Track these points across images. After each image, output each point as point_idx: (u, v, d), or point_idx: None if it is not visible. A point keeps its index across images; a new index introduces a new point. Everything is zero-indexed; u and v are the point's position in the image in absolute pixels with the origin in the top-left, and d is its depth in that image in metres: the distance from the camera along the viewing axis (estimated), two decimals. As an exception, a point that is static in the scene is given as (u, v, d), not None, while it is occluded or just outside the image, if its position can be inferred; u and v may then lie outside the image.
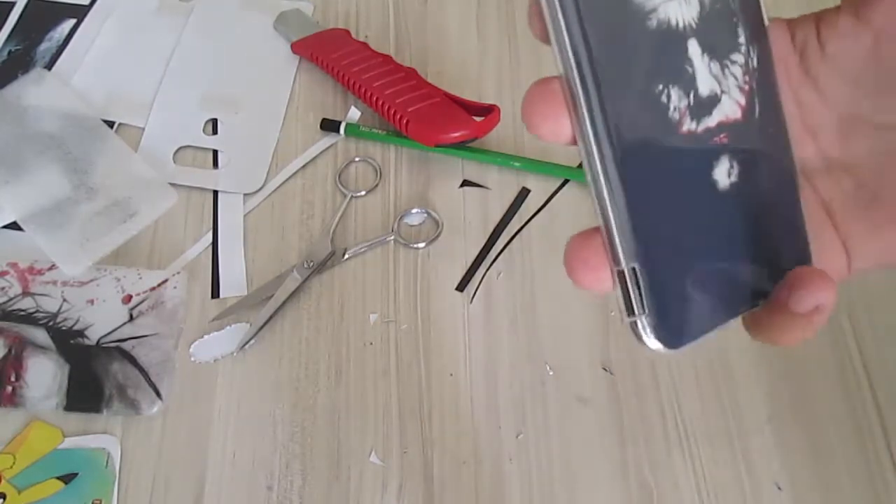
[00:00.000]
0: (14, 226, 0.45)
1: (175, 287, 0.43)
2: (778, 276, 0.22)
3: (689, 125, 0.21)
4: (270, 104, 0.50)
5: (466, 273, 0.44)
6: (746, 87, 0.22)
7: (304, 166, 0.48)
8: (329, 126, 0.49)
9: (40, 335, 0.41)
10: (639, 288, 0.20)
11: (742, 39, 0.21)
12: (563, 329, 0.43)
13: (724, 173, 0.22)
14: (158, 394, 0.40)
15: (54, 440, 0.39)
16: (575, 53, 0.20)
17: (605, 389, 0.41)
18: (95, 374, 0.40)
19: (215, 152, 0.48)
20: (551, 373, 0.41)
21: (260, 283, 0.44)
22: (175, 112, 0.50)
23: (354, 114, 0.50)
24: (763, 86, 0.22)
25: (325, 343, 0.42)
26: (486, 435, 0.40)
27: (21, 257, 0.43)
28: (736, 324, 0.23)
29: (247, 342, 0.42)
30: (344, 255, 0.45)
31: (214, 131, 0.49)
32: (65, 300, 0.42)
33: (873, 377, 0.41)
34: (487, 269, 0.45)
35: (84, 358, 0.41)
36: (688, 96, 0.21)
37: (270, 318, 0.42)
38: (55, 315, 0.42)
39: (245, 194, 0.47)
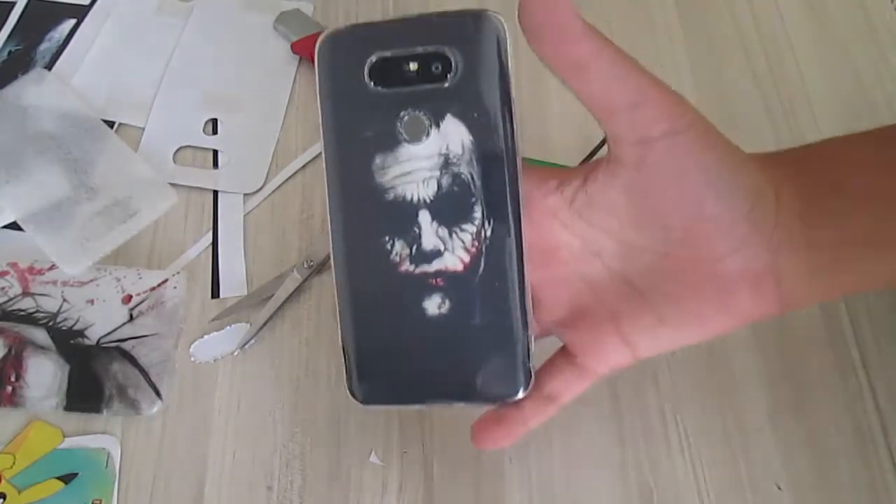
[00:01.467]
0: (14, 226, 0.45)
1: (175, 287, 0.43)
2: (476, 391, 0.30)
3: (406, 267, 0.29)
4: (270, 104, 0.50)
5: (466, 273, 0.44)
6: (473, 249, 0.29)
7: (304, 166, 0.48)
8: (329, 126, 0.49)
9: (40, 335, 0.41)
10: (346, 359, 0.31)
11: (478, 215, 0.28)
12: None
13: (434, 305, 0.29)
14: (158, 394, 0.40)
15: (54, 440, 0.39)
16: (330, 202, 0.29)
17: (606, 389, 0.41)
18: (95, 374, 0.40)
19: (215, 152, 0.48)
20: (551, 373, 0.41)
21: (260, 282, 0.44)
22: (175, 112, 0.50)
23: (354, 114, 0.50)
24: (496, 249, 0.29)
25: (325, 343, 0.42)
26: (486, 435, 0.40)
27: (21, 257, 0.43)
28: (437, 408, 0.39)
29: (247, 342, 0.42)
30: (344, 255, 0.45)
31: (214, 131, 0.49)
32: (65, 300, 0.42)
33: (873, 377, 0.41)
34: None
35: (84, 358, 0.41)
36: (410, 247, 0.29)
37: (270, 317, 0.42)
38: (55, 315, 0.42)
39: (245, 194, 0.47)
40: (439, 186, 0.28)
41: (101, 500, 0.38)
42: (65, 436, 0.40)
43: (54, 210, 0.45)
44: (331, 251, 0.30)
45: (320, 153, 0.29)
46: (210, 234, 0.46)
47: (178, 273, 0.44)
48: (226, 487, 0.39)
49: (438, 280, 0.29)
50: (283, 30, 0.53)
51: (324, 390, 0.41)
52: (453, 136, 0.28)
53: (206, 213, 0.46)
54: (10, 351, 0.41)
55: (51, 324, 0.42)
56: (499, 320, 0.29)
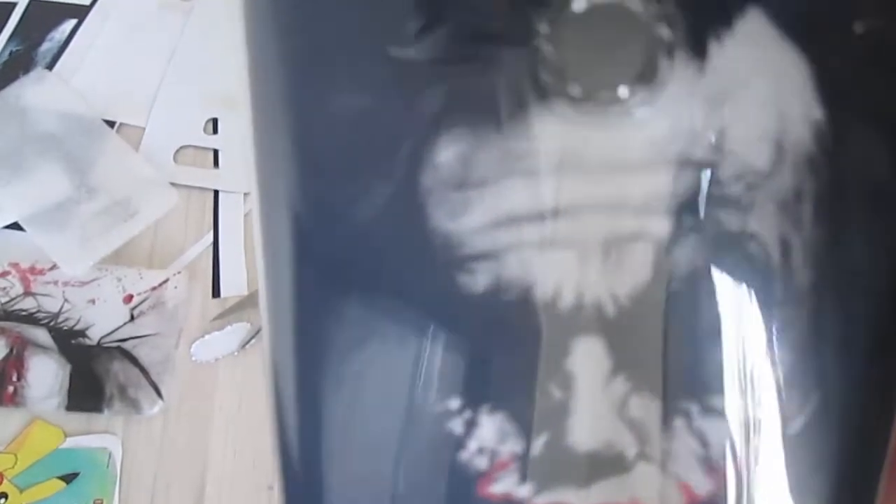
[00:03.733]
0: (15, 226, 0.45)
1: (176, 287, 0.43)
2: None
3: (508, 488, 0.12)
4: (271, 104, 0.50)
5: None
6: (728, 469, 0.12)
7: (304, 166, 0.48)
8: (329, 125, 0.48)
9: (42, 335, 0.41)
10: None
11: (773, 380, 0.12)
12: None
13: None
14: (159, 393, 0.40)
15: (56, 440, 0.39)
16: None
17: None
18: (96, 374, 0.40)
19: (216, 151, 0.48)
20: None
21: (261, 282, 0.44)
22: (176, 111, 0.49)
23: (355, 113, 0.50)
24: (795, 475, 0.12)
25: (325, 342, 0.42)
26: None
27: (22, 257, 0.44)
28: None
29: (248, 341, 0.42)
30: (344, 254, 0.45)
31: (215, 130, 0.49)
32: (66, 300, 0.42)
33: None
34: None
35: (85, 358, 0.41)
36: (527, 439, 0.12)
37: (271, 317, 0.42)
38: (56, 315, 0.42)
39: (246, 193, 0.47)
40: (657, 267, 0.11)
41: (102, 500, 0.38)
42: (66, 435, 0.40)
43: (55, 210, 0.45)
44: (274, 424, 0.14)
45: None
46: (211, 234, 0.46)
47: (178, 273, 0.44)
48: (227, 487, 0.39)
49: None
50: (283, 29, 0.53)
51: (325, 390, 0.41)
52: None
53: (206, 212, 0.46)
54: (11, 351, 0.41)
55: (52, 324, 0.42)
56: None
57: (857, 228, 0.11)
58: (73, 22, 0.52)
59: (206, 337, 0.42)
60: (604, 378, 0.11)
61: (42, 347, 0.41)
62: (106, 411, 0.40)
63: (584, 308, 0.11)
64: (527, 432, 0.11)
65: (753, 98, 0.09)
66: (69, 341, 0.41)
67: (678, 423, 0.11)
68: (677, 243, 0.10)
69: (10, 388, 0.40)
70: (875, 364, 0.11)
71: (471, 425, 0.11)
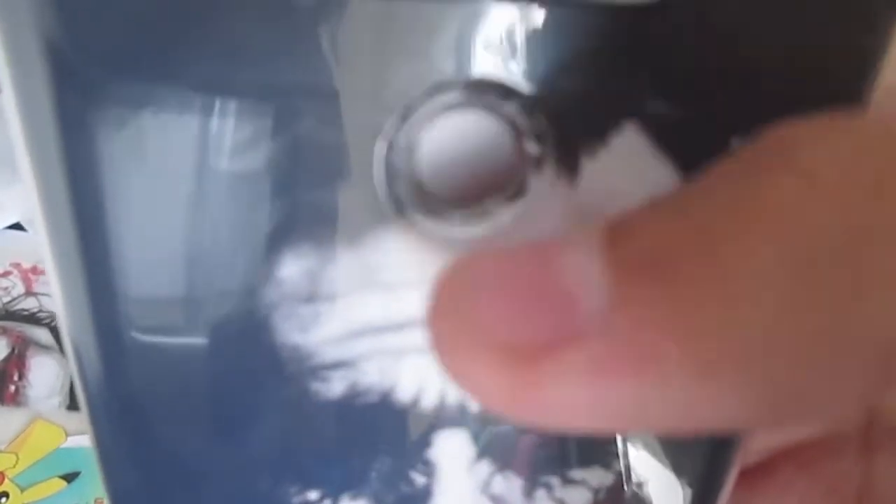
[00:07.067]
0: (17, 226, 0.45)
1: (177, 287, 0.43)
2: None
3: None
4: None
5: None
6: None
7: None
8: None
9: (43, 335, 0.42)
10: None
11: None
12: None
13: None
14: (160, 393, 0.40)
15: (57, 439, 0.39)
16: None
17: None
18: (98, 374, 0.41)
19: (217, 153, 0.48)
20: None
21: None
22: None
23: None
24: None
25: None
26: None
27: (24, 257, 0.44)
28: None
29: (248, 342, 0.42)
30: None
31: (216, 132, 0.49)
32: (67, 300, 0.43)
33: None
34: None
35: (86, 357, 0.41)
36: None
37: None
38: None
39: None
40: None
41: (103, 499, 0.38)
42: (67, 435, 0.40)
43: (57, 210, 0.45)
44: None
45: None
46: (212, 235, 0.46)
47: (179, 273, 0.44)
48: (227, 486, 0.39)
49: None
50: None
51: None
52: None
53: (207, 213, 0.46)
54: (13, 350, 0.41)
55: (53, 323, 0.42)
56: None
57: None
58: (75, 23, 0.53)
59: (207, 337, 0.42)
60: (468, 463, 0.11)
61: (43, 347, 0.41)
62: (107, 411, 0.40)
63: (447, 406, 0.11)
64: None
65: (624, 210, 0.09)
66: (70, 341, 0.41)
67: (539, 494, 0.12)
68: None
69: (12, 388, 0.40)
70: None
71: None
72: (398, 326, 0.11)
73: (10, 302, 0.42)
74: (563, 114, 0.10)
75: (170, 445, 0.11)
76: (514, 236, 0.10)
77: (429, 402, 0.11)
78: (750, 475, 0.13)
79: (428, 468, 0.11)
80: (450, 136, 0.10)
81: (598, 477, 0.12)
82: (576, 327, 0.08)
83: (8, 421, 0.40)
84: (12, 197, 0.45)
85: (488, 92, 0.10)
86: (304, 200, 0.10)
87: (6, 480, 0.38)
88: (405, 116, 0.10)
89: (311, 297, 0.10)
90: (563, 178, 0.10)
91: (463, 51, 0.10)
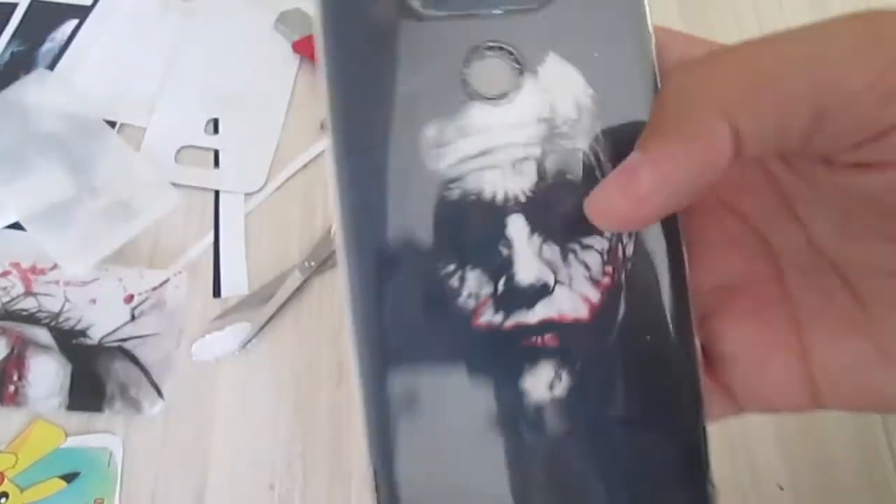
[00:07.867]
0: (16, 226, 0.45)
1: (176, 287, 0.43)
2: None
3: (489, 318, 0.17)
4: (271, 103, 0.50)
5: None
6: (606, 280, 0.18)
7: (305, 165, 0.48)
8: (330, 126, 0.49)
9: (43, 335, 0.42)
10: (377, 490, 0.17)
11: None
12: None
13: (542, 385, 0.17)
14: (160, 393, 0.40)
15: (56, 439, 0.39)
16: (343, 204, 0.17)
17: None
18: (97, 374, 0.40)
19: (216, 152, 0.48)
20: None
21: (261, 282, 0.44)
22: (176, 112, 0.50)
23: (355, 113, 0.50)
24: (645, 278, 0.18)
25: (326, 342, 0.42)
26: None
27: (23, 257, 0.44)
28: None
29: (248, 341, 0.42)
30: (345, 254, 0.45)
31: (216, 131, 0.49)
32: (67, 300, 0.42)
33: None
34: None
35: (86, 357, 0.41)
36: (494, 283, 0.17)
37: (272, 317, 0.42)
38: (57, 315, 0.42)
39: (246, 194, 0.47)
40: (541, 175, 0.18)
41: (103, 500, 0.38)
42: (67, 435, 0.40)
43: (56, 210, 0.45)
44: (345, 292, 0.17)
45: (327, 129, 0.18)
46: (211, 234, 0.46)
47: (179, 272, 0.44)
48: (227, 486, 0.39)
49: (548, 338, 0.17)
50: (284, 29, 0.53)
51: (325, 389, 0.41)
52: (560, 88, 0.18)
53: (207, 212, 0.46)
54: (12, 351, 0.41)
55: (53, 323, 0.42)
56: (658, 409, 0.18)
57: None
58: (75, 22, 0.53)
59: (207, 337, 0.42)
60: (527, 237, 0.18)
61: (43, 347, 0.41)
62: (107, 411, 0.40)
63: (509, 199, 0.18)
64: (494, 279, 0.18)
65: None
66: (70, 341, 0.41)
67: (570, 258, 0.18)
68: (545, 160, 0.18)
69: (11, 388, 0.40)
70: None
71: (461, 280, 0.18)
72: (481, 154, 0.18)
73: (9, 302, 0.42)
74: None
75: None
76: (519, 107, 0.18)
77: (500, 197, 0.18)
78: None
79: (508, 242, 0.18)
80: None
81: (600, 243, 0.18)
82: (636, 177, 0.16)
83: (7, 421, 0.40)
84: (12, 196, 0.45)
85: None
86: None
87: (6, 481, 0.38)
88: None
89: (440, 144, 0.18)
90: None
91: None
